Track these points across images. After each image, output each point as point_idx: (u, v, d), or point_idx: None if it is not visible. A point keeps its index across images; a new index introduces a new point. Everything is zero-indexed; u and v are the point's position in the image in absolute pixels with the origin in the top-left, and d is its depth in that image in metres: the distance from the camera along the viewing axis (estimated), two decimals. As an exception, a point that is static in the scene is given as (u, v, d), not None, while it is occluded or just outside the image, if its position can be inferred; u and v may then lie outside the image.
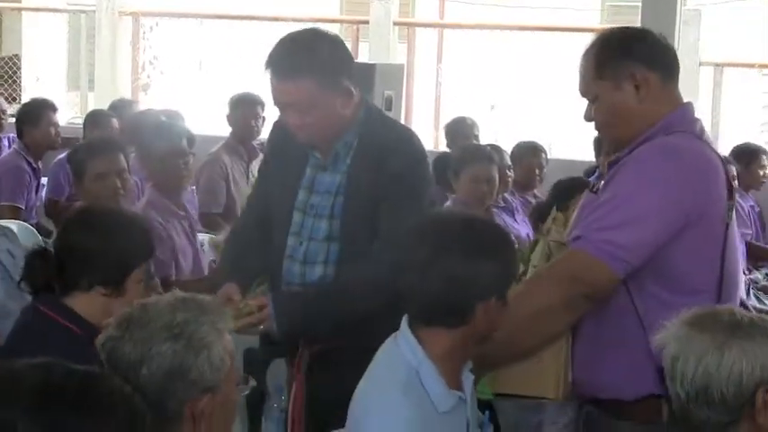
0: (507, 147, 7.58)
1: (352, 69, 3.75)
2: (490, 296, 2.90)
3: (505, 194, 6.85)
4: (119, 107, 8.46)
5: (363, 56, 10.82)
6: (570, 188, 4.92)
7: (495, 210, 6.47)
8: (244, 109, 7.82)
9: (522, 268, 3.64)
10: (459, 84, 14.06)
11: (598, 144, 7.45)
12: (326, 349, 3.79)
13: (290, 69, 3.60)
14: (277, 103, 3.73)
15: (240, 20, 13.03)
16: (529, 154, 7.16)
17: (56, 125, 7.78)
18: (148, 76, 11.63)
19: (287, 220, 3.84)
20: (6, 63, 17.05)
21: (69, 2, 16.40)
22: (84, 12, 12.11)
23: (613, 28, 3.67)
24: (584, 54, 3.51)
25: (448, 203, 6.41)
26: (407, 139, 3.85)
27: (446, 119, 12.08)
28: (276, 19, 12.06)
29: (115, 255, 3.34)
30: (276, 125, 4.00)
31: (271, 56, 3.66)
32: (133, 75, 11.60)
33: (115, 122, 7.85)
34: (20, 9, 17.13)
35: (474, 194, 5.89)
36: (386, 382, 2.91)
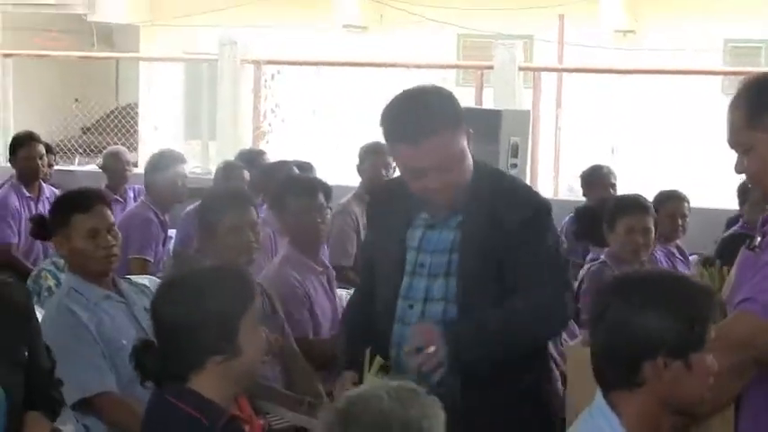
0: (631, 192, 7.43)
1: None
2: (656, 353, 2.70)
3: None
4: (248, 157, 8.36)
5: (488, 102, 10.64)
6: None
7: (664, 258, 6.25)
8: (374, 158, 7.68)
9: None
10: (580, 129, 13.82)
11: (743, 192, 7.18)
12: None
13: (422, 132, 3.50)
14: (413, 171, 3.60)
15: (359, 66, 12.95)
16: (672, 202, 6.88)
17: (183, 177, 7.67)
18: (270, 125, 11.56)
19: (394, 283, 3.72)
20: (123, 112, 17.22)
21: (186, 51, 16.49)
22: (206, 61, 12.10)
23: (765, 72, 3.50)
24: (734, 102, 3.32)
25: (590, 256, 6.15)
26: (525, 187, 3.83)
27: (566, 165, 11.91)
28: (394, 65, 11.95)
29: (211, 318, 3.11)
30: (374, 195, 3.99)
31: (395, 125, 3.58)
32: (254, 123, 11.54)
33: (246, 174, 7.72)
34: (138, 59, 17.26)
35: (629, 247, 5.62)
36: None
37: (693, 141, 14.32)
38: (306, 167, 7.59)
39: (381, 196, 3.91)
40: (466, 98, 11.25)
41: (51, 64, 17.30)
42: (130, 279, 4.76)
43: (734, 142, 3.32)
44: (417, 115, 3.54)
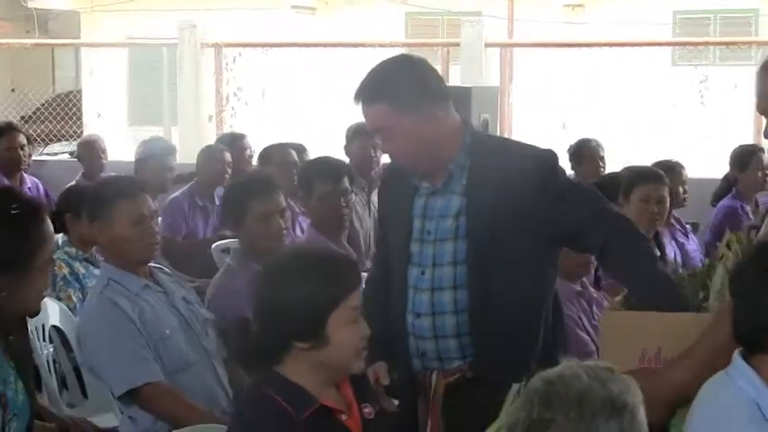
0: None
1: (439, 93, 3.66)
2: None
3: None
4: (228, 140, 8.27)
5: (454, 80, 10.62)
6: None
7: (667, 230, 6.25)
8: (361, 139, 7.58)
9: (701, 294, 3.43)
10: (530, 104, 13.85)
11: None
12: (461, 380, 3.67)
13: (365, 95, 3.61)
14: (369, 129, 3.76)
15: (316, 47, 12.86)
16: (670, 174, 6.89)
17: (171, 168, 7.60)
18: (233, 108, 11.43)
19: (405, 251, 3.74)
20: (61, 100, 16.95)
21: (129, 36, 16.30)
22: (164, 45, 11.93)
23: None
24: (763, 69, 3.31)
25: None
26: (527, 145, 3.80)
27: (519, 139, 11.91)
28: (353, 45, 11.87)
29: (299, 304, 3.01)
30: (385, 169, 4.01)
31: (360, 83, 3.67)
32: (217, 107, 11.40)
33: (228, 156, 7.67)
34: (88, 44, 16.96)
35: (645, 216, 5.62)
36: (723, 423, 2.68)
37: (645, 113, 14.43)
38: (300, 149, 7.50)
39: (394, 171, 3.92)
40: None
41: None
42: (163, 268, 4.65)
43: (763, 109, 3.34)
44: (370, 80, 3.63)
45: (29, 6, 18.21)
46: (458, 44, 10.83)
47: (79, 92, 18.11)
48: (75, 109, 16.56)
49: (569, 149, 8.10)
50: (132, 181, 4.47)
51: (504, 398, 2.83)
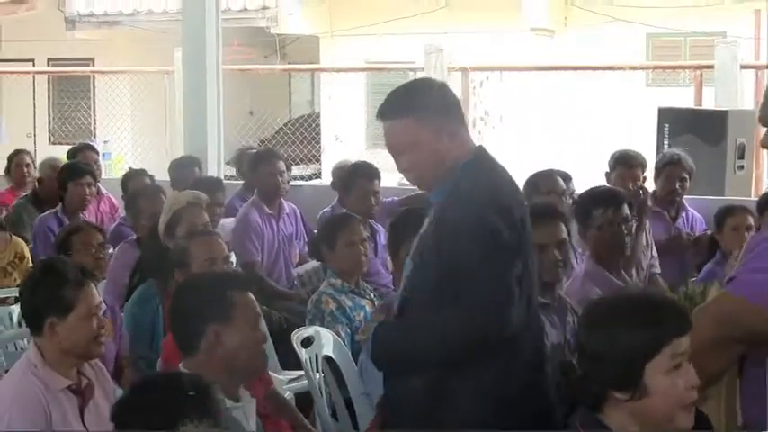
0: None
1: (458, 113, 3.85)
2: None
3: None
4: None
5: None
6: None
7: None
8: (622, 170, 7.36)
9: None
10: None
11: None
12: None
13: (392, 111, 3.81)
14: (387, 147, 3.88)
15: (558, 71, 12.72)
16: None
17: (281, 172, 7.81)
18: (479, 132, 11.37)
19: None
20: (299, 124, 17.16)
21: (368, 60, 16.42)
22: (412, 70, 11.97)
23: None
24: None
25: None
26: (470, 188, 3.71)
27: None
28: (599, 68, 11.70)
29: (616, 350, 2.87)
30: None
31: (384, 101, 3.89)
32: None
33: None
34: (331, 69, 17.15)
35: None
36: None
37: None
38: (565, 176, 7.26)
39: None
40: (655, 99, 10.92)
41: (227, 76, 17.31)
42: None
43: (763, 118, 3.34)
44: (395, 98, 3.85)
45: (271, 32, 18.59)
46: (710, 66, 10.50)
47: (315, 115, 18.37)
48: (312, 133, 16.80)
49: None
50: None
51: None
